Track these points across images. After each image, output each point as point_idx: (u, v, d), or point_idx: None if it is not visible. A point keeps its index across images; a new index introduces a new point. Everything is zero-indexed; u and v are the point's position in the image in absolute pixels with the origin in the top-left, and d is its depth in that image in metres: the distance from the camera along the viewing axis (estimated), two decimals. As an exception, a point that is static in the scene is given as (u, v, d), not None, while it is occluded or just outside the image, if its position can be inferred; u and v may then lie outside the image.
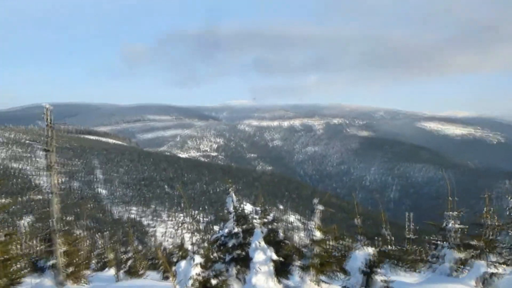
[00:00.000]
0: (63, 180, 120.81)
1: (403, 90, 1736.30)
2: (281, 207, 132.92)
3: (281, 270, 8.04)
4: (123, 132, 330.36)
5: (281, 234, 8.46)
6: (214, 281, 7.21)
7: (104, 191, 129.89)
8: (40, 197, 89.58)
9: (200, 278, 7.06)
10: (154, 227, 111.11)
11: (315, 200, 8.04)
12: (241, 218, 8.99)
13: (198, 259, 7.17)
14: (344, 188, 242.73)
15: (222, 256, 8.82)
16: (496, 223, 8.84)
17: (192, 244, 7.75)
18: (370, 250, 7.44)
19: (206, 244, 10.05)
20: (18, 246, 14.79)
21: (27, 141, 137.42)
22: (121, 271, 16.56)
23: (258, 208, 9.10)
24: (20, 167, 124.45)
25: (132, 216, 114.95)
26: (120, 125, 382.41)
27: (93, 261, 20.14)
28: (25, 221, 42.57)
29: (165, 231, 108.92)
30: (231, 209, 9.08)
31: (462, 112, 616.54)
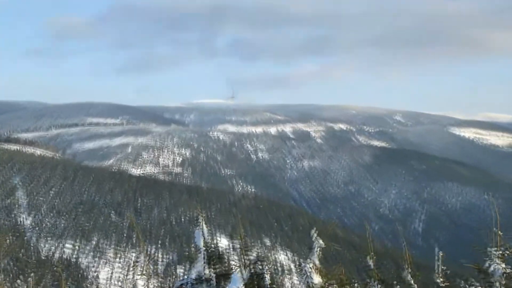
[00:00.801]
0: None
1: (426, 86, 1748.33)
2: (268, 242, 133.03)
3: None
4: (54, 140, 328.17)
5: (267, 279, 8.39)
6: None
7: (27, 220, 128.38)
8: None
9: None
10: (96, 269, 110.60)
11: (314, 233, 8.01)
12: (214, 257, 8.88)
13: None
14: (354, 217, 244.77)
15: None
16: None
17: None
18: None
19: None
20: None
21: None
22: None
23: (237, 244, 9.02)
24: None
25: (66, 254, 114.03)
26: (51, 131, 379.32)
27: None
28: None
29: (111, 274, 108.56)
30: (201, 245, 8.97)
31: (504, 116, 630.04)
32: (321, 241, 7.93)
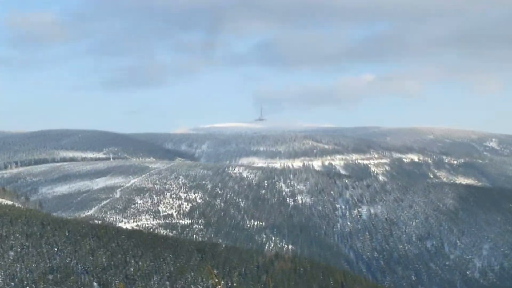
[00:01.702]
0: None
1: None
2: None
3: None
4: (14, 183, 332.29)
5: None
6: None
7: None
8: None
9: None
10: None
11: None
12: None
13: None
14: (433, 284, 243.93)
15: None
16: None
17: None
18: None
19: None
20: None
21: None
22: None
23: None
24: None
25: None
26: (9, 169, 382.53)
27: None
28: None
29: None
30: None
31: None
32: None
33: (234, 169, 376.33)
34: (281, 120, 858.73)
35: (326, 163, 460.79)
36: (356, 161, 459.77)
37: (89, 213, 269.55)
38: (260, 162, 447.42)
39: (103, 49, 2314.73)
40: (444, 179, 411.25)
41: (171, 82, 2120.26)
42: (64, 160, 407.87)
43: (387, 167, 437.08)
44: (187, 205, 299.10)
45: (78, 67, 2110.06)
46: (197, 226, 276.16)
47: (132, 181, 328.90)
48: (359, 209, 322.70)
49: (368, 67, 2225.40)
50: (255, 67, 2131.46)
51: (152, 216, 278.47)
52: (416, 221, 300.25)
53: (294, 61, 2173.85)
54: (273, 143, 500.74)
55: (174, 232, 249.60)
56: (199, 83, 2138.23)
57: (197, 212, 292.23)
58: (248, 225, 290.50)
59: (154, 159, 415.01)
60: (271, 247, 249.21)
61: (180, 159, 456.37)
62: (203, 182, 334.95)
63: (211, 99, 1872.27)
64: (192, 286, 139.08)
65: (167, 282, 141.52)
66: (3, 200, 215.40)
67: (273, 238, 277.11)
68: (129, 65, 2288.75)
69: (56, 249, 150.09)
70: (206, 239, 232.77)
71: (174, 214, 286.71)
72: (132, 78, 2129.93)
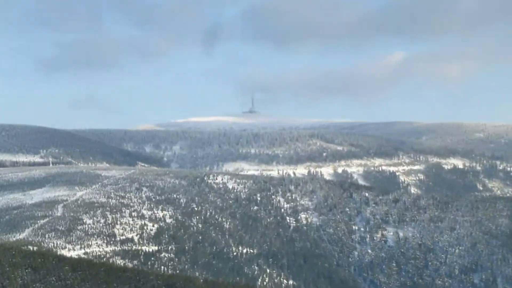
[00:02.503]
0: None
1: None
2: None
3: None
4: None
5: None
6: None
7: None
8: None
9: None
10: None
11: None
12: None
13: None
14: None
15: None
16: None
17: None
18: None
19: None
20: None
21: None
22: None
23: None
24: None
25: None
26: None
27: None
28: None
29: None
30: None
31: None
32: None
33: (216, 178, 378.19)
34: (278, 114, 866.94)
35: (340, 170, 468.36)
36: (380, 168, 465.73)
37: (22, 236, 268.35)
38: (251, 169, 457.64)
39: (37, 21, 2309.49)
40: (498, 191, 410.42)
41: (129, 64, 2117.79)
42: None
43: (421, 176, 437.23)
44: (153, 226, 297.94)
45: (4, 44, 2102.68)
46: (166, 255, 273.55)
47: (79, 194, 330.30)
48: (384, 232, 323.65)
49: (395, 44, 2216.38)
50: (243, 45, 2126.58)
51: (105, 241, 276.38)
52: (460, 248, 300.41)
53: (294, 36, 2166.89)
54: (268, 143, 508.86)
55: (135, 262, 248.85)
56: (168, 65, 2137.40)
57: (166, 236, 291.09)
58: (235, 253, 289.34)
59: (108, 165, 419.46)
60: (265, 282, 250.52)
61: (143, 164, 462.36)
62: (175, 196, 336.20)
63: (185, 86, 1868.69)
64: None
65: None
66: None
67: (268, 270, 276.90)
68: (73, 40, 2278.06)
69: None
70: (178, 271, 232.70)
71: (135, 239, 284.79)
72: (77, 57, 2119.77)
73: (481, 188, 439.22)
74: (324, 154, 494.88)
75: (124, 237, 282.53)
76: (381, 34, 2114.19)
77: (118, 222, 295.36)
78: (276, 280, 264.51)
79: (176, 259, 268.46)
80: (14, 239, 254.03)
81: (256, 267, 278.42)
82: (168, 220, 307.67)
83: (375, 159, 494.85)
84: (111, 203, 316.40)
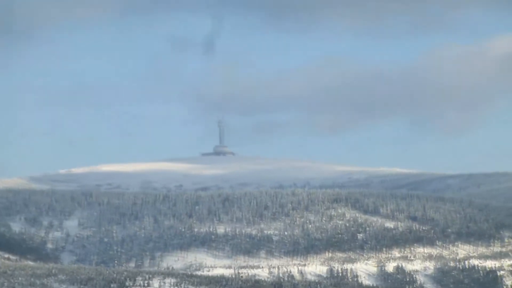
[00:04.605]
0: None
1: None
2: None
3: None
4: None
5: None
6: None
7: None
8: None
9: None
10: None
11: None
12: None
13: None
14: None
15: None
16: None
17: None
18: None
19: None
20: None
21: None
22: None
23: None
24: None
25: None
26: None
27: None
28: None
29: None
30: None
31: None
32: None
33: (148, 285, 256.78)
34: (268, 154, 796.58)
35: (390, 267, 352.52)
36: (467, 263, 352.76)
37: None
38: (217, 265, 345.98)
39: None
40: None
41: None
42: None
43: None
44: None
45: None
46: None
47: None
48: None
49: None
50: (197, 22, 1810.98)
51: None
52: None
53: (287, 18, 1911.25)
54: (251, 215, 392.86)
55: None
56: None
57: None
58: None
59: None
60: None
61: (6, 256, 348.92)
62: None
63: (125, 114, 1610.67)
64: None
65: None
66: None
67: None
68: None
69: None
70: None
71: None
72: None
73: None
74: (361, 236, 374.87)
75: None
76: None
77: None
78: None
79: None
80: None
81: None
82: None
83: (457, 246, 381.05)
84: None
